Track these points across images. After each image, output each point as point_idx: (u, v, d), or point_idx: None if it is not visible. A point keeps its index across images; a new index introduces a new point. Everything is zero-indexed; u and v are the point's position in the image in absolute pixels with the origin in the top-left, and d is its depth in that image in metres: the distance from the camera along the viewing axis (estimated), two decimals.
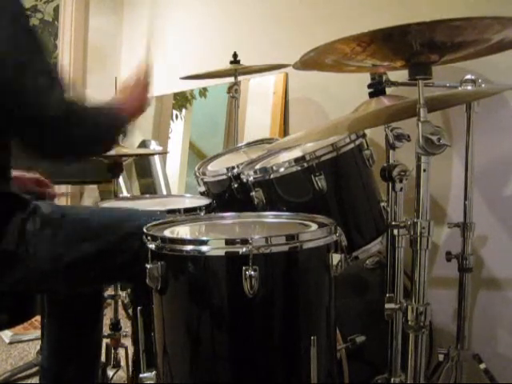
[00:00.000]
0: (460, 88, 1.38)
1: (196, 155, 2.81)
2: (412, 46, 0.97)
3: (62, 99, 1.06)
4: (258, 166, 1.49)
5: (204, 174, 1.73)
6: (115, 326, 1.87)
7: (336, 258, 1.02)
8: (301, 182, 1.37)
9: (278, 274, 1.00)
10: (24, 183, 1.42)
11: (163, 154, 2.99)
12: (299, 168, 1.35)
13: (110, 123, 1.17)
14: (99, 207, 1.53)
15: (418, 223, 1.02)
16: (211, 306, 1.00)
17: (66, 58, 3.36)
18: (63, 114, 1.05)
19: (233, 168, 1.60)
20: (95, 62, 3.44)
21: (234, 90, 2.04)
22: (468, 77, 1.38)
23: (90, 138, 1.13)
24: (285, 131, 2.26)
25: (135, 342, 1.27)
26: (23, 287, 1.23)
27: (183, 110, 2.93)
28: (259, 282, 0.93)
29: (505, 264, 1.58)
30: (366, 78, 1.37)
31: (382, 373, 1.31)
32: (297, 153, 1.43)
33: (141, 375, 1.11)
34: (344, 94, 1.92)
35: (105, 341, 1.77)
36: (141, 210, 1.41)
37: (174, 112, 2.96)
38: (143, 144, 3.13)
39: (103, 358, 1.76)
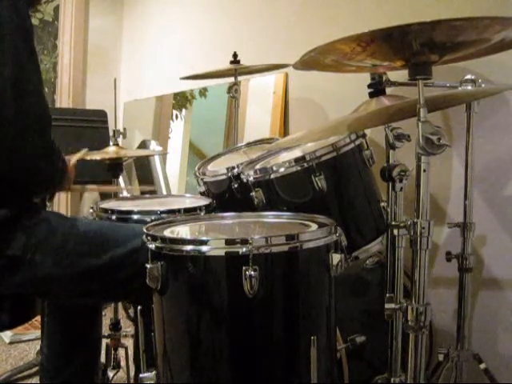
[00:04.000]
0: (460, 88, 1.38)
1: (196, 155, 2.81)
2: (412, 46, 0.97)
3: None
4: (258, 166, 1.49)
5: (204, 174, 1.72)
6: (115, 326, 1.87)
7: (336, 257, 1.02)
8: (301, 182, 1.37)
9: (278, 274, 1.00)
10: None
11: (163, 154, 2.99)
12: (299, 168, 1.35)
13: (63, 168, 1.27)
14: (105, 221, 1.51)
15: (418, 223, 1.02)
16: (211, 306, 1.00)
17: (66, 57, 3.36)
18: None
19: (233, 168, 1.59)
20: (95, 62, 3.45)
21: (233, 90, 2.03)
22: (468, 77, 1.38)
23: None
24: (285, 131, 2.25)
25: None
26: (23, 291, 1.24)
27: (183, 110, 2.92)
28: (259, 281, 0.93)
29: (505, 264, 1.58)
30: (366, 77, 1.37)
31: (382, 373, 1.31)
32: (297, 153, 1.43)
33: (141, 375, 1.11)
34: (344, 94, 1.92)
35: (105, 341, 1.77)
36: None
37: (174, 112, 2.96)
38: (143, 144, 3.14)
39: (103, 359, 1.76)
